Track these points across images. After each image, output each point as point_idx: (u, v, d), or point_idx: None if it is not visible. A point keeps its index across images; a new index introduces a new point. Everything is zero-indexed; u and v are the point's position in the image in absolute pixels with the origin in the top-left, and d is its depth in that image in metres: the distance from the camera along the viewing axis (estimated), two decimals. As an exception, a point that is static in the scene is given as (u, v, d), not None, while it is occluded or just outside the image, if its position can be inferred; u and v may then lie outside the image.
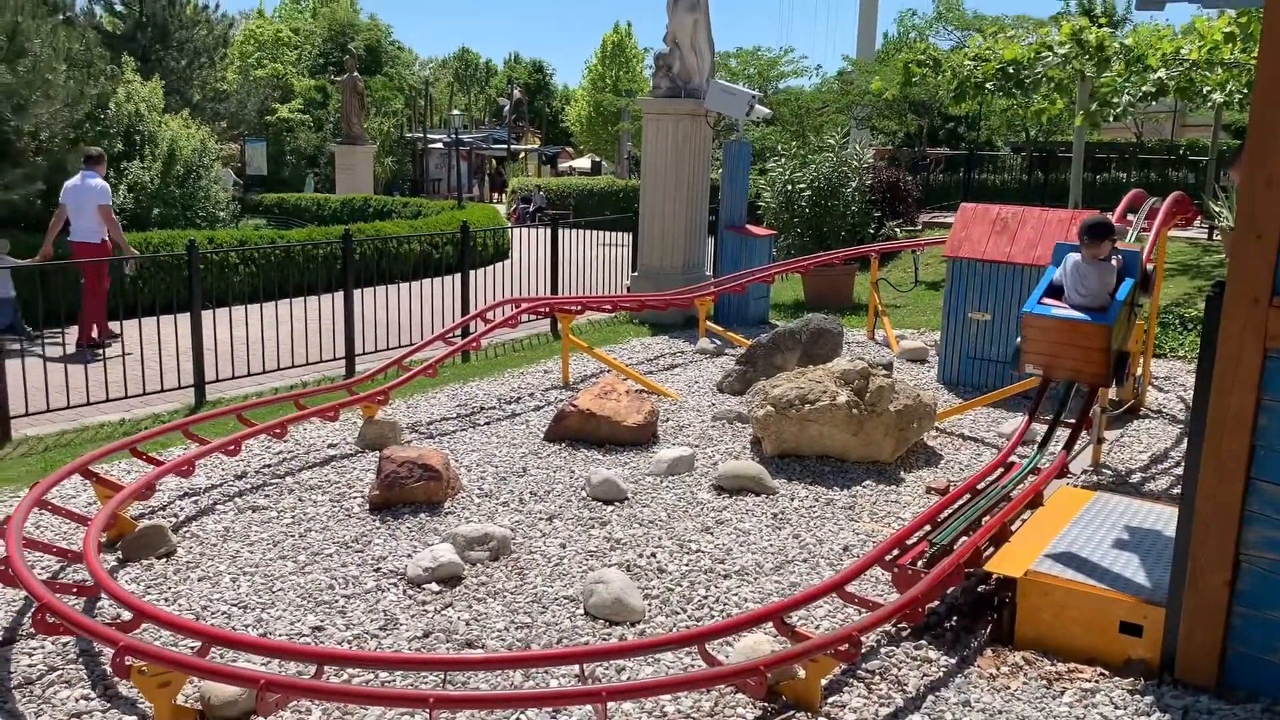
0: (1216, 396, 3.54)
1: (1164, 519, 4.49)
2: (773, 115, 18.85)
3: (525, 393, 8.07)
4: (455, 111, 39.87)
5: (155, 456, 5.75)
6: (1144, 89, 13.54)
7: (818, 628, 4.10)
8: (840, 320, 8.91)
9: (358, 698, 3.33)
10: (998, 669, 3.81)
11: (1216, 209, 7.78)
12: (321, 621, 4.14)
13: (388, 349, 9.25)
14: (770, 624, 3.80)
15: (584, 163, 47.43)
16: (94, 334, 9.62)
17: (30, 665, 3.79)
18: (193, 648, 3.61)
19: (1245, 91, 13.11)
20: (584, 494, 5.65)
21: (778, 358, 8.09)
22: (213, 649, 3.58)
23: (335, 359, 8.96)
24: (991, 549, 4.38)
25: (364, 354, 9.08)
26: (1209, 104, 14.57)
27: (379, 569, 4.64)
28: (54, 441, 6.87)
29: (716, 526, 5.22)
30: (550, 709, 3.45)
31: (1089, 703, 3.57)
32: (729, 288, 10.48)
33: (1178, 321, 10.22)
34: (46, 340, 9.58)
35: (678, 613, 4.27)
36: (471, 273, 10.25)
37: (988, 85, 15.04)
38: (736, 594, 4.44)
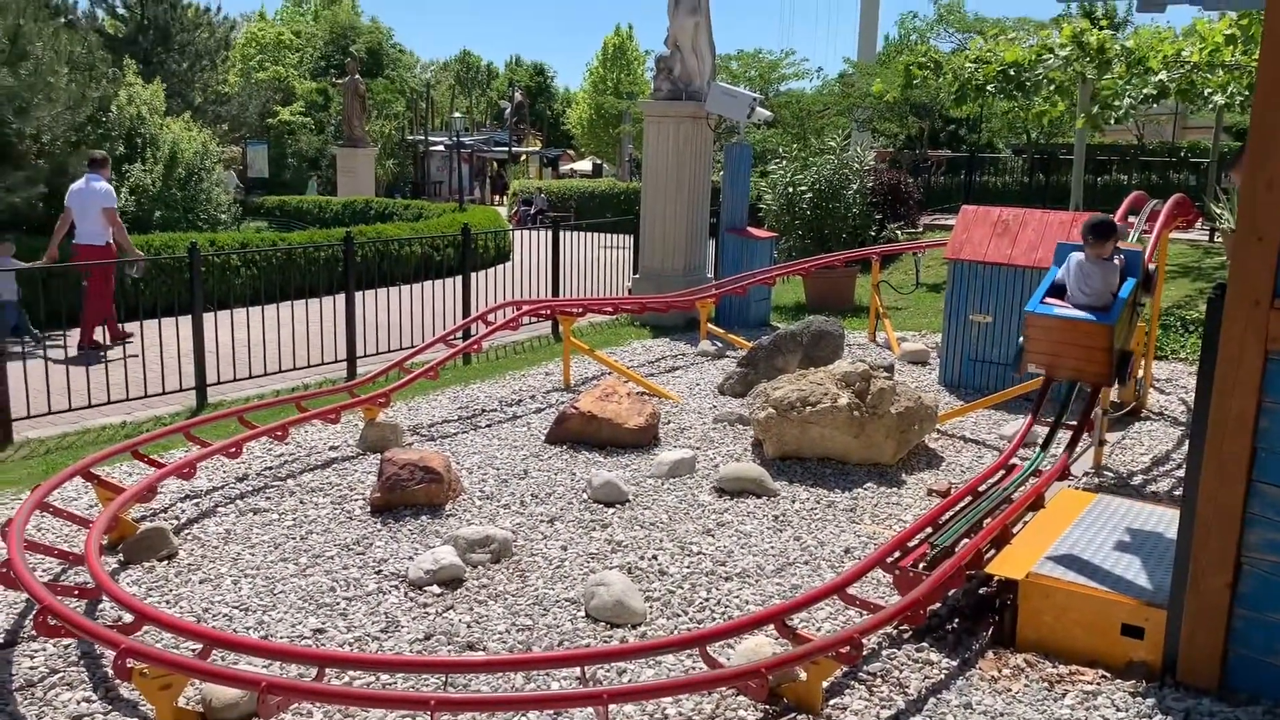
0: (1218, 399, 3.54)
1: (1165, 521, 4.48)
2: (774, 118, 18.87)
3: (526, 395, 8.08)
4: (456, 114, 39.96)
5: (157, 459, 5.75)
6: (1145, 91, 13.54)
7: (819, 630, 4.10)
8: (841, 322, 8.92)
9: (359, 700, 3.33)
10: (999, 671, 3.81)
11: (1217, 211, 7.78)
12: (323, 624, 4.14)
13: (389, 351, 9.26)
14: (771, 626, 3.80)
15: (585, 165, 47.47)
16: (96, 336, 9.63)
17: (32, 667, 3.80)
18: (194, 650, 3.62)
19: (1246, 94, 13.11)
20: (585, 496, 5.65)
21: (779, 360, 8.09)
22: (214, 651, 3.58)
23: (337, 361, 8.96)
24: (993, 551, 4.38)
25: (365, 356, 9.09)
26: (1210, 106, 14.57)
27: (380, 571, 4.64)
28: (55, 444, 6.88)
29: (718, 529, 5.22)
30: (551, 711, 3.45)
31: (1090, 705, 3.57)
32: (730, 290, 10.48)
33: (1179, 324, 10.22)
34: (48, 342, 9.60)
35: (679, 615, 4.27)
36: (473, 275, 10.26)
37: (989, 87, 15.05)
38: (738, 596, 4.44)
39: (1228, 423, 3.52)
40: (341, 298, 8.99)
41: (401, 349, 9.13)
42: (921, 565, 4.21)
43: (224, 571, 4.64)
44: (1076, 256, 5.66)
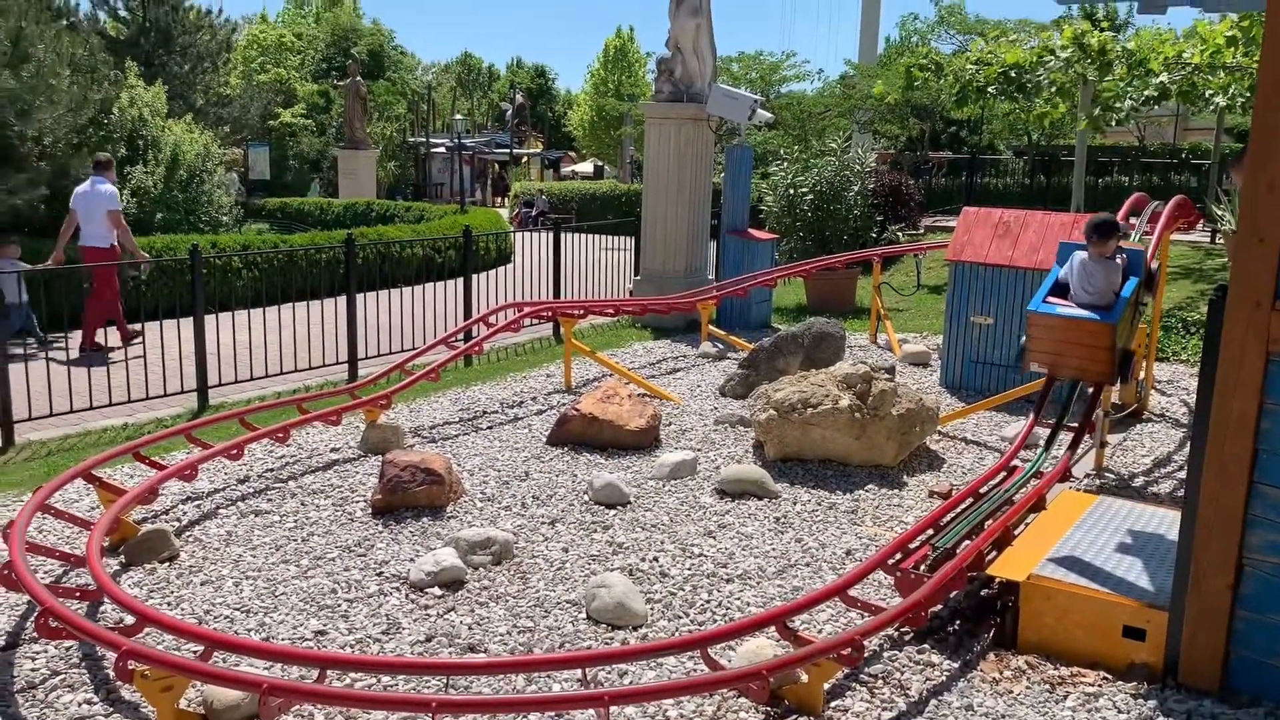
0: (1219, 400, 3.54)
1: (1167, 523, 4.48)
2: (775, 119, 18.87)
3: (527, 397, 8.08)
4: (458, 116, 39.96)
5: (158, 461, 5.76)
6: (1146, 93, 13.53)
7: (820, 632, 4.10)
8: (842, 324, 8.91)
9: (360, 702, 3.33)
10: (1000, 673, 3.81)
11: (1219, 212, 7.77)
12: (324, 626, 4.14)
13: (390, 353, 9.26)
14: (773, 628, 3.79)
15: (586, 167, 47.48)
16: (97, 339, 9.65)
17: (33, 670, 3.80)
18: (195, 652, 3.62)
19: (1247, 95, 13.10)
20: (586, 498, 5.65)
21: (780, 361, 8.09)
22: (215, 653, 3.58)
23: (338, 363, 8.97)
24: (994, 553, 4.37)
25: (366, 358, 9.09)
26: (1211, 108, 14.56)
27: (381, 573, 4.65)
28: (57, 446, 6.88)
29: (719, 530, 5.22)
30: (553, 713, 3.45)
31: (1092, 707, 3.57)
32: (731, 292, 10.48)
33: (1180, 325, 10.22)
34: (50, 344, 9.61)
35: (680, 617, 4.27)
36: (474, 277, 10.26)
37: (990, 89, 15.04)
38: (739, 598, 4.44)
39: (1229, 424, 3.52)
40: (343, 300, 9.00)
41: (403, 351, 9.14)
42: (923, 567, 4.21)
43: (225, 573, 4.64)
44: (1079, 256, 5.67)
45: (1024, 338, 5.75)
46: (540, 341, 10.70)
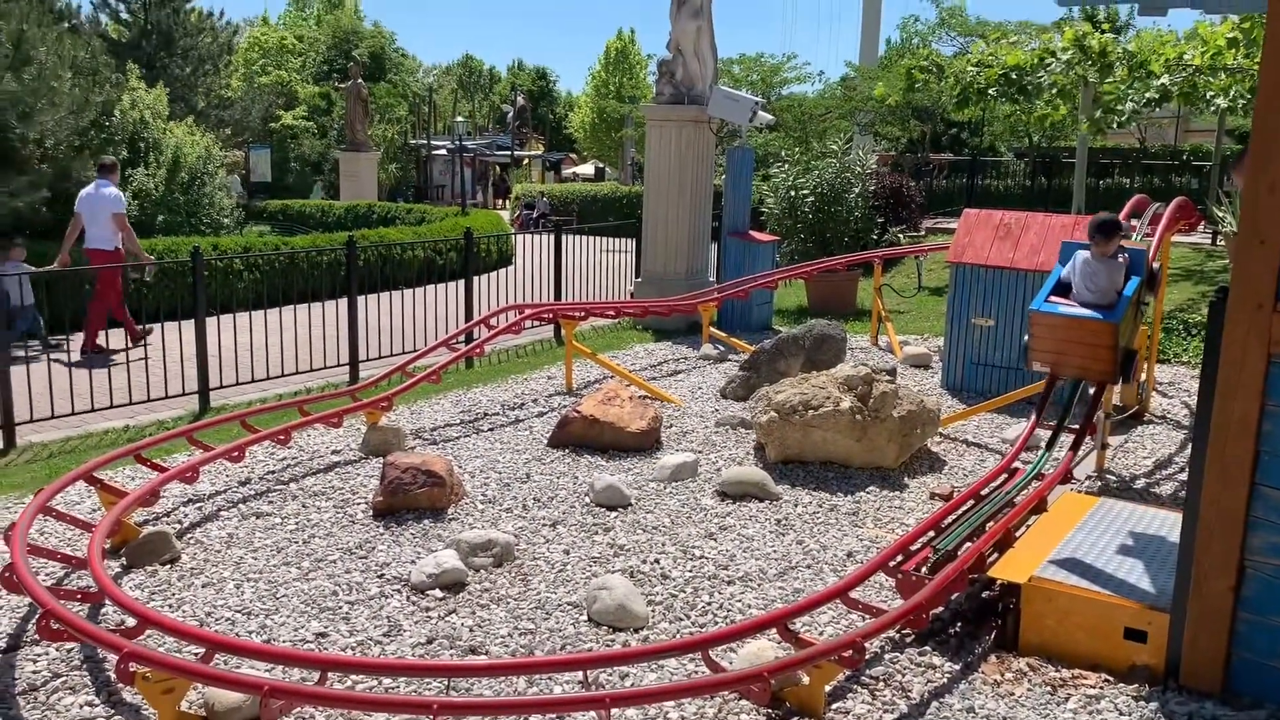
0: (1220, 402, 3.54)
1: (1168, 525, 4.48)
2: (776, 121, 18.90)
3: (529, 399, 8.08)
4: (459, 118, 39.99)
5: (159, 463, 5.76)
6: (1148, 95, 13.53)
7: (821, 634, 4.10)
8: (843, 326, 8.91)
9: (361, 704, 3.33)
10: (1002, 675, 3.81)
11: (1220, 214, 7.76)
12: (325, 628, 4.14)
13: (391, 355, 9.26)
14: (774, 630, 3.79)
15: (587, 169, 47.52)
16: (99, 340, 9.67)
17: (34, 671, 3.80)
18: (196, 654, 3.62)
19: (1249, 97, 13.10)
20: (587, 500, 5.65)
21: (781, 363, 8.09)
22: (216, 655, 3.58)
23: (339, 365, 8.97)
24: (996, 555, 4.37)
25: (368, 360, 9.09)
26: (1212, 109, 14.54)
27: (383, 575, 4.65)
28: (58, 448, 6.89)
29: (720, 532, 5.22)
30: (554, 715, 3.44)
31: (1093, 709, 3.56)
32: (732, 293, 10.48)
33: (1181, 327, 10.22)
34: (51, 346, 9.61)
35: (681, 619, 4.27)
36: (475, 279, 10.26)
37: (990, 91, 15.04)
38: (740, 600, 4.44)
39: (1230, 426, 3.52)
40: (344, 302, 9.00)
41: (404, 353, 9.14)
42: (924, 569, 4.21)
43: (226, 575, 4.64)
44: (1082, 255, 5.69)
45: (1026, 337, 5.76)
46: (541, 343, 10.70)
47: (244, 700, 3.40)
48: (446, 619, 4.23)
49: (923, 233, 17.69)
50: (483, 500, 5.65)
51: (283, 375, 8.61)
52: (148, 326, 9.97)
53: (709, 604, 4.40)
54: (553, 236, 11.69)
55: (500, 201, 41.09)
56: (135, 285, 10.72)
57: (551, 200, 30.84)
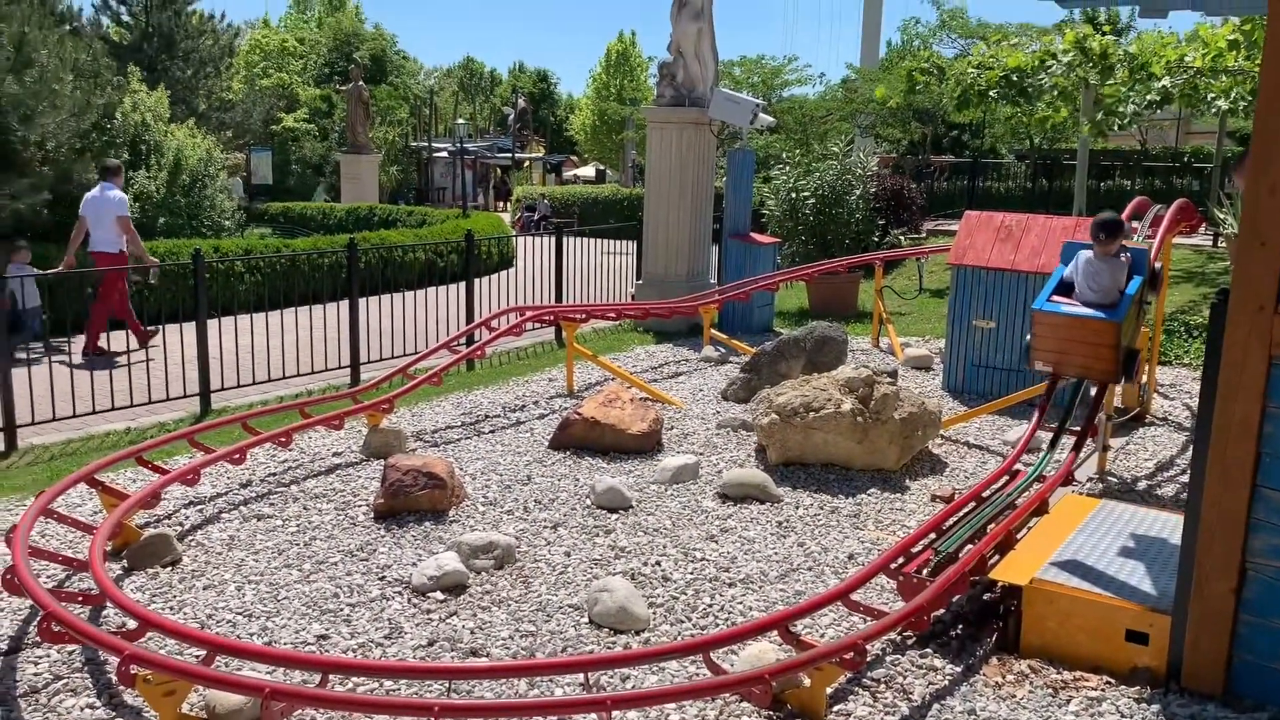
0: (1221, 404, 3.54)
1: (1170, 527, 4.48)
2: (776, 123, 18.89)
3: (530, 401, 8.08)
4: (460, 120, 39.98)
5: (161, 465, 5.76)
6: (1149, 97, 13.53)
7: (823, 636, 4.09)
8: (845, 328, 8.91)
9: (363, 706, 3.33)
10: (1003, 677, 3.80)
11: (1221, 216, 7.77)
12: (326, 630, 4.14)
13: (393, 357, 9.27)
14: (775, 632, 3.79)
15: (588, 171, 47.51)
16: (100, 343, 9.69)
17: (36, 674, 3.80)
18: (198, 656, 3.62)
19: (1250, 99, 13.10)
20: (588, 502, 5.65)
21: (782, 365, 8.09)
22: (218, 657, 3.58)
23: (340, 367, 8.97)
24: (997, 557, 4.37)
25: (369, 362, 9.09)
26: (1213, 111, 14.55)
27: (384, 577, 4.65)
28: (60, 450, 6.89)
29: (721, 535, 5.22)
30: (555, 718, 3.44)
31: (1095, 711, 3.56)
32: (733, 295, 10.48)
33: (1183, 329, 10.21)
34: (53, 348, 9.62)
35: (682, 621, 4.27)
36: (476, 281, 10.26)
37: (991, 93, 15.04)
38: (741, 602, 4.44)
39: (1231, 428, 3.52)
40: (345, 304, 9.01)
41: (405, 355, 9.15)
42: (925, 571, 4.21)
43: (228, 577, 4.65)
44: (1085, 254, 5.71)
45: (1029, 336, 5.77)
46: (542, 345, 10.70)
47: (245, 702, 3.40)
48: (447, 621, 4.23)
49: (924, 235, 17.69)
50: (484, 502, 5.65)
51: (284, 377, 8.61)
52: (153, 328, 10.00)
53: (710, 606, 4.40)
54: (554, 239, 11.70)
55: (501, 204, 41.10)
56: (138, 288, 10.73)
57: (552, 202, 30.84)
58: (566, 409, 7.38)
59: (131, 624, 3.83)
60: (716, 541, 5.13)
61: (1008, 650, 3.99)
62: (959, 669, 3.87)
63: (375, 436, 6.60)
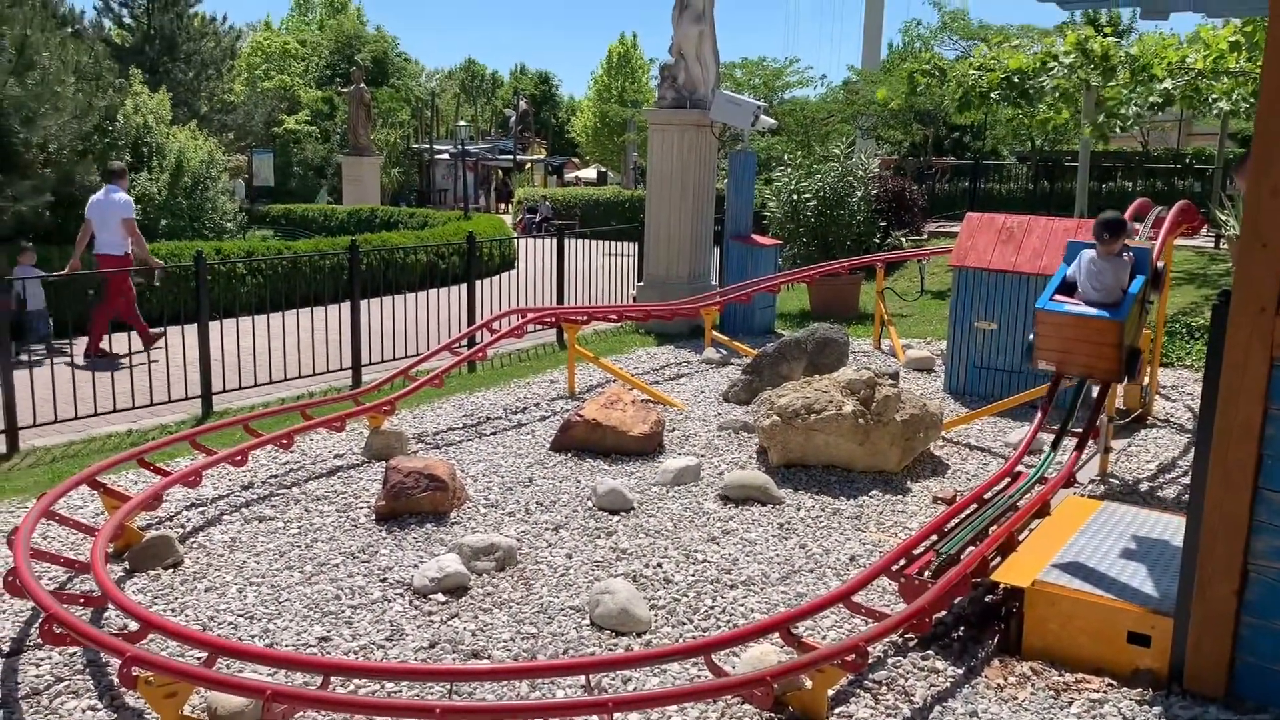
0: (1223, 405, 3.53)
1: (1172, 528, 4.47)
2: (778, 125, 18.90)
3: (531, 403, 8.08)
4: (461, 122, 40.01)
5: (162, 467, 5.77)
6: (1150, 99, 13.53)
7: (824, 638, 4.09)
8: (846, 330, 8.91)
9: (364, 708, 3.33)
10: (1005, 679, 3.80)
11: (1223, 217, 7.78)
12: (328, 632, 4.14)
13: (394, 359, 9.27)
14: (777, 634, 3.79)
15: (590, 173, 47.56)
16: (103, 345, 9.71)
17: (37, 676, 3.80)
18: (199, 658, 3.62)
19: (1251, 100, 13.10)
20: (590, 504, 5.65)
21: (784, 367, 8.09)
22: (219, 659, 3.58)
23: (342, 369, 8.98)
24: (999, 559, 4.37)
25: (370, 364, 9.09)
26: (1215, 113, 14.54)
27: (385, 579, 4.65)
28: (61, 452, 6.89)
29: (723, 536, 5.21)
30: (556, 719, 3.44)
31: (1097, 713, 3.56)
32: (735, 297, 10.48)
33: (1184, 330, 10.21)
34: (55, 350, 9.63)
35: (684, 623, 4.27)
36: (477, 283, 10.27)
37: (993, 95, 15.04)
38: (743, 604, 4.44)
39: (1233, 430, 3.51)
40: (347, 306, 9.01)
41: (406, 357, 9.14)
42: (927, 573, 4.20)
43: (229, 579, 4.65)
44: (1087, 254, 5.72)
45: (1031, 335, 5.77)
46: (544, 347, 10.71)
47: (247, 704, 3.40)
48: (449, 623, 4.23)
49: (925, 236, 17.69)
50: (485, 504, 5.65)
51: (285, 379, 8.61)
52: (158, 330, 10.00)
53: (711, 608, 4.40)
54: (555, 241, 11.70)
55: (503, 206, 41.15)
56: (140, 290, 10.75)
57: (554, 204, 30.87)
58: (568, 411, 7.38)
59: (133, 626, 3.83)
60: (718, 543, 5.12)
61: (1009, 652, 3.99)
62: (961, 671, 3.87)
63: (377, 438, 6.60)
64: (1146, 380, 7.46)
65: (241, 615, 4.28)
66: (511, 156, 44.36)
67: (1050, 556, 4.19)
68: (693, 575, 4.72)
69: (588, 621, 4.24)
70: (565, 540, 5.14)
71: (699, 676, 3.75)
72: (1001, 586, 4.17)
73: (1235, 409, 3.50)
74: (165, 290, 11.21)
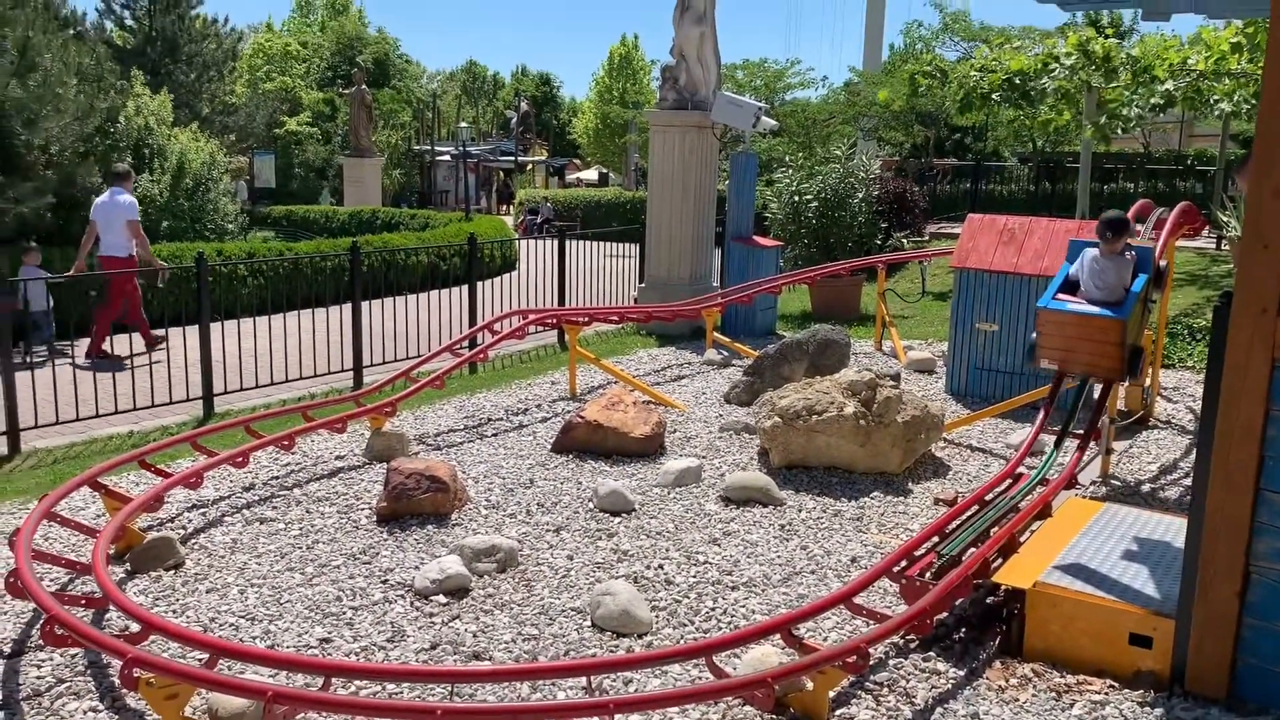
0: (1224, 407, 3.53)
1: (1173, 530, 4.47)
2: (779, 127, 18.90)
3: (532, 404, 8.08)
4: (463, 124, 40.03)
5: (164, 468, 5.77)
6: (1152, 100, 13.53)
7: (825, 639, 4.09)
8: (847, 331, 8.91)
9: (365, 710, 3.33)
10: (1006, 681, 3.80)
11: (1224, 219, 7.77)
12: (329, 633, 4.14)
13: (395, 361, 9.27)
14: (778, 636, 3.79)
15: (591, 174, 47.57)
16: (104, 346, 9.73)
17: (39, 677, 3.80)
18: (200, 660, 3.62)
19: (1253, 101, 13.09)
20: (591, 505, 5.64)
21: (785, 369, 8.09)
22: (220, 661, 3.58)
23: (343, 371, 8.98)
24: (1000, 560, 4.37)
25: (371, 366, 9.10)
26: (1216, 114, 14.54)
27: (386, 581, 4.65)
28: (63, 454, 6.90)
29: (724, 538, 5.21)
30: (557, 721, 3.44)
31: (1098, 715, 3.55)
32: (736, 299, 10.48)
33: (1186, 332, 10.20)
34: (57, 351, 9.63)
35: (685, 624, 4.27)
36: (479, 284, 10.27)
37: (994, 96, 15.05)
38: (744, 606, 4.43)
39: (1235, 431, 3.51)
40: (348, 307, 9.01)
41: (408, 358, 9.14)
42: (928, 574, 4.20)
43: (230, 581, 4.65)
44: (1090, 253, 5.73)
45: (1034, 334, 5.77)
46: (545, 349, 10.71)
47: (248, 706, 3.40)
48: (450, 624, 4.23)
49: (926, 238, 17.69)
50: (486, 506, 5.65)
51: (286, 381, 8.61)
52: (160, 332, 10.01)
53: (713, 609, 4.39)
54: (556, 242, 11.71)
55: (504, 207, 41.17)
56: (143, 291, 10.77)
57: (555, 205, 30.88)
58: (569, 412, 7.38)
59: (134, 627, 3.84)
60: (719, 545, 5.12)
61: (1011, 654, 3.99)
62: (962, 672, 3.87)
63: (378, 440, 6.60)
64: (1148, 382, 7.45)
65: (243, 616, 4.28)
66: (513, 158, 44.38)
67: (1052, 558, 4.19)
68: (694, 577, 4.72)
69: (589, 623, 4.24)
70: (566, 542, 5.14)
71: (700, 678, 3.75)
72: (1003, 588, 4.17)
73: (1237, 410, 3.50)
74: (167, 292, 11.22)
